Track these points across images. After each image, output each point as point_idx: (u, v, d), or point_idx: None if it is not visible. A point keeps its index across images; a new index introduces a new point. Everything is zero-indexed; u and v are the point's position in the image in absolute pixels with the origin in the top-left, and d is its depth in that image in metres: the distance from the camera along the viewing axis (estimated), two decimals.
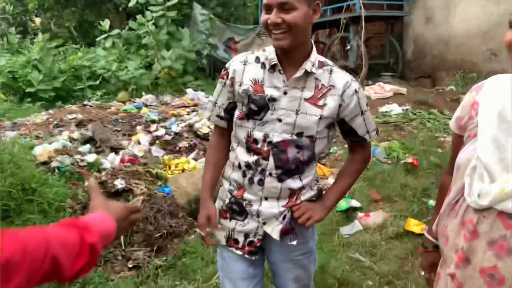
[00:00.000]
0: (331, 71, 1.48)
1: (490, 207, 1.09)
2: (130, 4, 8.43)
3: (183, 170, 4.67)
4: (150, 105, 7.16)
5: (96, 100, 7.73)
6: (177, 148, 5.22)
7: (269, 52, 1.49)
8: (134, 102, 7.43)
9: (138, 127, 5.88)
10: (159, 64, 8.80)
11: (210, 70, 11.17)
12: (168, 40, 9.07)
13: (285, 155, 1.48)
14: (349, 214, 3.83)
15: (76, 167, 4.62)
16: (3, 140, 5.30)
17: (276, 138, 1.47)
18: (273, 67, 1.47)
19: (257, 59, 1.52)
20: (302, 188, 1.55)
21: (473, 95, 1.26)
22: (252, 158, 1.51)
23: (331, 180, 4.38)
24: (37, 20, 17.04)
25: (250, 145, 1.51)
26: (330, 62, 1.53)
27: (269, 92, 1.46)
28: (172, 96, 8.01)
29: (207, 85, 9.03)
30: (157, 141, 5.43)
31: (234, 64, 1.55)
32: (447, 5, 7.84)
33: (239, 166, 1.55)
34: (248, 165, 1.53)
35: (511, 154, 1.08)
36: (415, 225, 3.49)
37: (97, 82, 9.09)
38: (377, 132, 1.62)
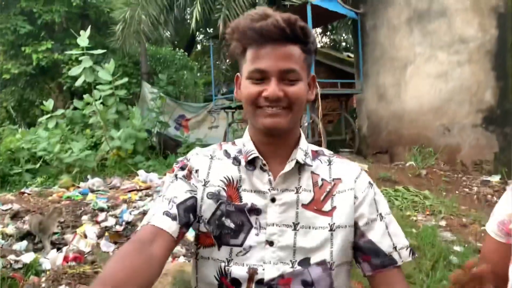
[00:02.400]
0: (329, 162, 1.07)
1: None
2: (77, 83, 8.01)
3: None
4: (97, 190, 6.52)
5: (36, 187, 6.99)
6: None
7: (242, 144, 1.07)
8: (78, 187, 6.77)
9: (84, 217, 5.22)
10: (107, 145, 8.27)
11: (161, 148, 10.83)
12: (117, 120, 8.65)
13: None
14: None
15: (10, 271, 3.92)
16: None
17: (269, 273, 0.96)
18: (252, 162, 1.03)
19: (226, 153, 1.08)
20: None
21: None
22: None
23: None
24: None
25: None
26: (326, 151, 1.12)
27: (249, 199, 1.00)
28: (121, 179, 7.43)
29: (159, 165, 8.56)
30: (107, 233, 4.79)
31: (196, 156, 1.08)
32: (398, 82, 8.12)
33: None
34: None
35: None
36: None
37: (37, 165, 8.37)
38: (412, 253, 1.04)
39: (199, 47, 19.57)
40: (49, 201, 5.81)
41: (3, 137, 9.57)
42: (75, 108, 9.76)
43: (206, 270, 1.02)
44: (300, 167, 1.03)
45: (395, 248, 1.02)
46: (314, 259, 0.98)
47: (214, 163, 1.06)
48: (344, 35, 18.18)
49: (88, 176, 7.48)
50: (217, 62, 14.53)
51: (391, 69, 8.23)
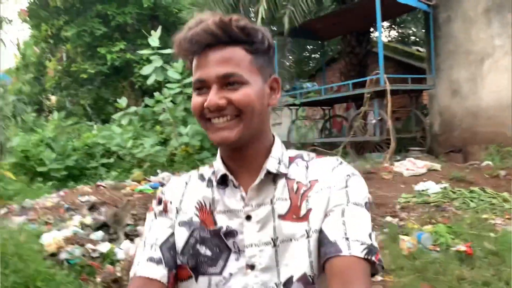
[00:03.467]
0: (307, 164, 0.96)
1: None
2: (148, 82, 8.39)
3: None
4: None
5: (111, 180, 7.42)
6: None
7: (216, 165, 0.98)
8: (149, 181, 7.07)
9: None
10: (176, 141, 8.58)
11: None
12: (185, 117, 8.94)
13: None
14: None
15: (88, 259, 4.17)
16: (9, 227, 4.92)
17: None
18: (222, 181, 0.95)
19: (201, 177, 1.00)
20: None
21: None
22: None
23: None
24: (53, 98, 17.35)
25: None
26: (306, 155, 1.00)
27: (223, 222, 0.92)
28: None
29: None
30: None
31: (170, 187, 1.02)
32: (473, 77, 7.68)
33: None
34: None
35: None
36: None
37: (111, 160, 8.87)
38: (371, 254, 0.83)
39: None
40: (122, 194, 6.11)
41: (81, 133, 10.22)
42: (145, 106, 10.22)
43: None
44: (274, 176, 0.93)
45: (346, 238, 0.84)
46: (296, 275, 0.88)
47: (188, 190, 0.99)
48: (413, 28, 17.49)
49: (158, 171, 7.81)
50: (281, 59, 14.56)
51: (466, 63, 7.80)
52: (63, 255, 4.20)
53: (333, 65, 12.88)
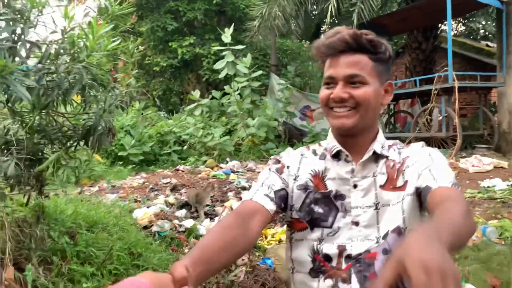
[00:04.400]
0: (400, 152, 1.19)
1: None
2: (221, 76, 8.91)
3: (279, 241, 4.56)
4: (237, 171, 7.26)
5: (188, 165, 8.02)
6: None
7: (326, 143, 1.22)
8: (222, 167, 7.58)
9: (229, 193, 5.93)
10: (243, 131, 9.05)
11: (286, 137, 11.36)
12: (252, 109, 9.39)
13: (373, 270, 1.08)
14: None
15: (175, 233, 4.69)
16: (104, 202, 5.54)
17: (356, 249, 1.09)
18: (336, 155, 1.17)
19: (314, 152, 1.23)
20: None
21: None
22: (325, 285, 1.10)
23: None
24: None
25: (320, 265, 1.12)
26: (399, 143, 1.23)
27: (333, 186, 1.14)
28: (255, 163, 8.11)
29: None
30: None
31: (288, 154, 1.25)
32: None
33: None
34: None
35: None
36: None
37: (184, 147, 9.50)
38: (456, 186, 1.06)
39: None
40: (199, 178, 6.66)
41: (154, 122, 10.94)
42: (212, 98, 10.80)
43: (300, 250, 1.15)
44: (377, 157, 1.16)
45: (435, 180, 1.05)
46: (391, 229, 1.09)
47: (303, 160, 1.21)
48: (483, 22, 16.85)
49: (227, 159, 8.32)
50: None
51: None
52: (154, 228, 4.74)
53: (397, 60, 12.81)
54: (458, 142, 7.11)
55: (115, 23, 2.82)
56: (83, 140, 3.28)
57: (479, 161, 6.58)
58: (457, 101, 6.92)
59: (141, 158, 9.38)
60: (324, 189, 1.14)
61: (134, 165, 8.94)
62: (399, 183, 1.12)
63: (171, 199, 5.66)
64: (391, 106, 10.35)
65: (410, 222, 1.09)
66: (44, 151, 3.21)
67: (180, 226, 4.84)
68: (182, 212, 5.26)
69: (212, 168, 7.49)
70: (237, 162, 7.98)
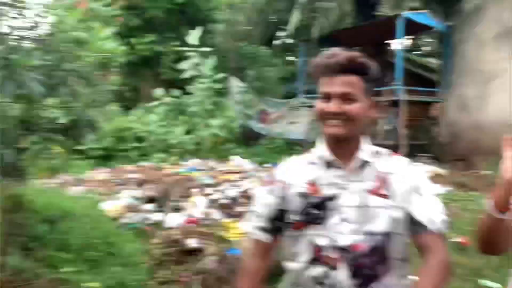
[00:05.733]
0: (386, 158, 1.39)
1: None
2: (185, 76, 9.11)
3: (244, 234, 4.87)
4: (200, 169, 7.49)
5: (149, 162, 8.13)
6: (236, 213, 5.45)
7: (318, 151, 1.40)
8: (181, 165, 7.76)
9: (193, 190, 6.16)
10: (203, 131, 9.28)
11: (244, 138, 11.62)
12: (213, 110, 9.64)
13: (360, 261, 1.29)
14: None
15: (144, 225, 4.89)
16: (70, 194, 5.63)
17: (344, 241, 1.29)
18: (328, 163, 1.36)
19: (307, 161, 1.42)
20: None
21: None
22: (318, 270, 1.32)
23: None
24: None
25: (315, 254, 1.33)
26: (384, 150, 1.42)
27: (327, 191, 1.33)
28: (216, 162, 8.35)
29: (247, 153, 9.41)
30: (215, 205, 5.68)
31: (283, 168, 1.46)
32: (481, 95, 8.34)
33: None
34: (316, 281, 1.33)
35: None
36: None
37: (143, 144, 9.56)
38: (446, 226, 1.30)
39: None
40: (162, 175, 6.84)
41: (114, 117, 10.80)
42: (173, 97, 10.84)
43: (298, 244, 1.36)
44: (363, 164, 1.35)
45: (429, 218, 1.28)
46: (377, 230, 1.29)
47: (298, 169, 1.40)
48: (427, 39, 17.91)
49: (188, 157, 8.50)
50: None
51: (475, 82, 8.42)
52: (124, 220, 4.94)
53: None
54: (404, 150, 7.73)
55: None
56: (65, 133, 3.47)
57: None
58: (401, 114, 7.55)
59: (100, 153, 9.35)
60: (319, 194, 1.33)
61: (92, 159, 8.91)
62: (384, 191, 1.32)
63: (138, 193, 5.81)
64: None
65: (394, 229, 1.30)
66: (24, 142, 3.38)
67: (148, 219, 5.04)
68: (149, 206, 5.42)
69: (174, 166, 7.68)
70: (198, 160, 8.20)
